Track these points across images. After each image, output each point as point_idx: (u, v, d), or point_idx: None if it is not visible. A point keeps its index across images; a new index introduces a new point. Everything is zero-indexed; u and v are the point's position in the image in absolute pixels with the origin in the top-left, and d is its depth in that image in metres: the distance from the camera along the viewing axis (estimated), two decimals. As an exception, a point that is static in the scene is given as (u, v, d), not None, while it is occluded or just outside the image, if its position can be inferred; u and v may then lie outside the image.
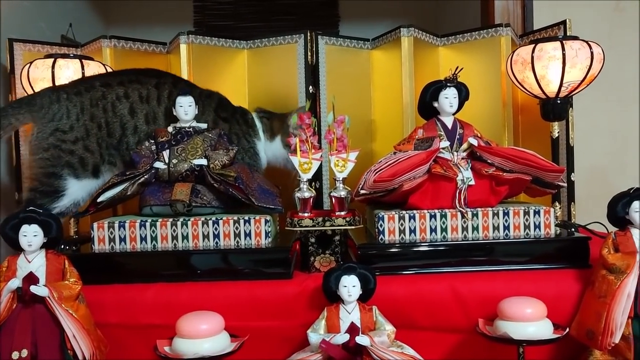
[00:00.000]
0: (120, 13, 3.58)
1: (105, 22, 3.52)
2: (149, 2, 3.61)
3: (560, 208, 1.81)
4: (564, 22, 1.94)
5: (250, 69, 2.08)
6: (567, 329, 1.24)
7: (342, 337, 1.19)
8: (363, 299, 1.27)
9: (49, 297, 1.17)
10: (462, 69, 1.57)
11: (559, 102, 1.74)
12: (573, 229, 1.74)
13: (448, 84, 1.57)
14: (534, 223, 1.48)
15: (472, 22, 2.56)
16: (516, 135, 2.08)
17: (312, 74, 2.00)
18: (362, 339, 1.18)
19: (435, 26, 3.47)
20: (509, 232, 1.48)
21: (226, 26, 3.77)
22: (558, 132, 1.79)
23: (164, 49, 2.10)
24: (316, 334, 1.22)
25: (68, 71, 1.71)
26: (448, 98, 1.57)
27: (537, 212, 1.48)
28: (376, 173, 1.45)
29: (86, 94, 1.63)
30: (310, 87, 2.00)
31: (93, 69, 1.75)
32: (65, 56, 1.75)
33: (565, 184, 1.56)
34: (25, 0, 2.32)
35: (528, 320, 1.22)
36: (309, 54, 2.00)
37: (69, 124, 1.61)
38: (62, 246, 1.70)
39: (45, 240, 1.23)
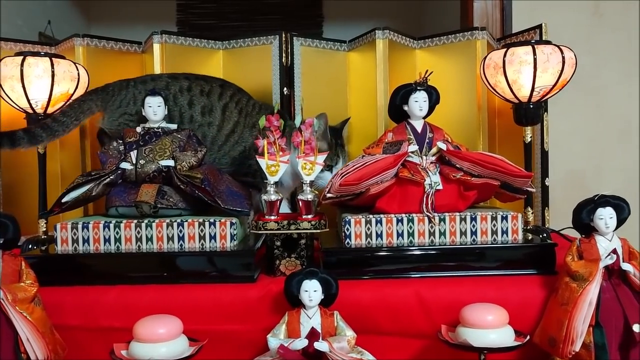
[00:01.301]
0: (102, 11, 3.56)
1: (86, 20, 3.50)
2: (132, 0, 3.59)
3: (532, 213, 1.80)
4: (539, 26, 1.93)
5: (226, 70, 2.06)
6: (528, 337, 1.24)
7: (300, 343, 1.18)
8: (325, 304, 1.26)
9: (2, 300, 1.15)
10: (431, 72, 1.55)
11: (531, 106, 1.73)
12: (545, 235, 1.73)
13: (418, 88, 1.56)
14: (502, 229, 1.47)
15: (453, 25, 2.55)
16: (492, 139, 2.07)
17: (287, 75, 1.99)
18: (320, 345, 1.17)
19: (419, 27, 3.49)
20: (476, 237, 1.47)
21: (209, 25, 3.77)
22: (531, 137, 1.78)
23: (139, 49, 2.08)
24: (276, 339, 1.21)
25: (37, 69, 1.68)
26: (418, 102, 1.56)
27: (504, 218, 1.47)
28: (342, 177, 1.44)
29: (151, 82, 1.76)
30: (285, 88, 1.98)
31: (63, 67, 1.72)
32: (35, 54, 1.73)
33: (534, 190, 1.55)
34: (1, -2, 2.30)
35: (489, 327, 1.21)
36: (284, 55, 1.99)
37: (135, 109, 1.71)
38: (30, 246, 1.70)
39: (1, 242, 1.21)
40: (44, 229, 1.79)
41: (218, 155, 1.78)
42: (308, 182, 1.45)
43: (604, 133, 2.41)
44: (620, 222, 1.29)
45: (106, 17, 3.53)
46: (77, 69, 1.76)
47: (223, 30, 3.67)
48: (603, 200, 1.28)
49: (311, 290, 1.22)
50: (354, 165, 1.47)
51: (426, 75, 1.56)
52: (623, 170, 2.38)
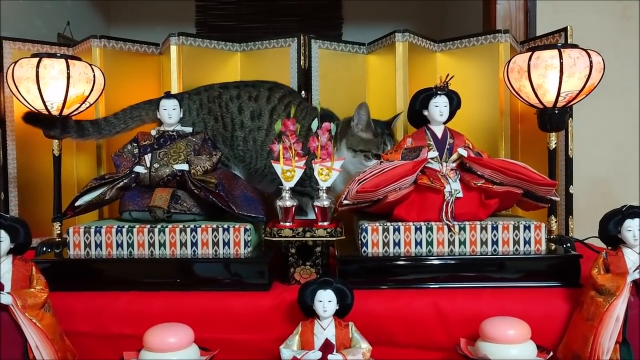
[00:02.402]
0: (121, 12, 3.56)
1: (106, 21, 3.50)
2: (152, 1, 3.59)
3: (556, 222, 1.74)
4: (565, 29, 1.88)
5: (244, 72, 2.04)
6: (551, 353, 1.19)
7: (314, 355, 1.15)
8: (340, 315, 1.22)
9: (12, 306, 1.13)
10: (452, 76, 1.51)
11: (556, 112, 1.67)
12: (569, 244, 1.67)
13: (438, 92, 1.52)
14: (524, 239, 1.42)
15: (475, 27, 2.50)
16: (515, 145, 2.02)
17: (304, 78, 1.96)
18: (334, 357, 1.14)
19: (440, 29, 3.43)
20: (497, 247, 1.42)
21: (228, 26, 3.75)
22: (555, 143, 1.73)
23: (157, 50, 2.06)
24: (289, 350, 1.18)
25: (53, 71, 1.67)
26: (438, 106, 1.52)
27: (527, 227, 1.42)
28: (359, 183, 1.40)
29: (205, 92, 1.80)
30: (303, 91, 1.95)
31: (79, 69, 1.71)
32: (51, 56, 1.71)
33: (558, 198, 1.50)
34: (20, -2, 2.30)
35: (510, 342, 1.16)
36: (302, 57, 1.96)
37: (191, 120, 1.74)
38: (44, 249, 1.69)
39: (12, 246, 1.19)
40: (59, 232, 1.77)
41: (267, 162, 1.75)
42: (324, 188, 1.41)
43: (630, 140, 2.33)
44: (650, 234, 1.23)
45: (126, 18, 3.53)
46: (93, 71, 1.75)
47: (242, 32, 3.65)
48: (631, 212, 1.23)
49: (325, 301, 1.19)
50: (371, 172, 1.43)
51: (447, 80, 1.52)
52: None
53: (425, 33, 2.02)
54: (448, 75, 1.52)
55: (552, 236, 1.72)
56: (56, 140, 1.77)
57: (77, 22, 2.81)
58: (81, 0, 3.10)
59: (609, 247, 1.28)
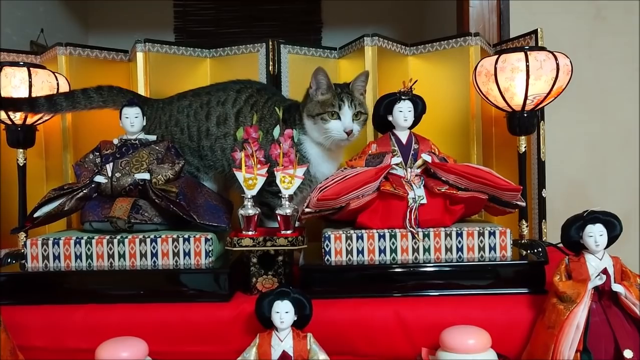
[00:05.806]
0: (100, 18, 3.53)
1: (84, 28, 3.47)
2: (130, 8, 3.56)
3: (527, 226, 1.72)
4: (535, 32, 1.86)
5: (213, 78, 2.02)
6: (511, 362, 1.17)
7: (269, 368, 1.12)
8: (299, 326, 1.20)
9: (-41, 322, 1.11)
10: (416, 81, 1.49)
11: (525, 115, 1.66)
12: (540, 249, 1.66)
13: (402, 97, 1.50)
14: (489, 245, 1.40)
15: (451, 29, 2.48)
16: (489, 149, 2.00)
17: (274, 83, 1.94)
18: (290, 370, 1.12)
19: (420, 32, 3.41)
20: (462, 254, 1.40)
21: (207, 32, 3.72)
22: (525, 147, 1.71)
23: (125, 57, 2.04)
24: (245, 363, 1.16)
25: (15, 79, 1.65)
26: (402, 112, 1.50)
27: (492, 234, 1.40)
28: (320, 191, 1.38)
29: (176, 102, 1.73)
30: (272, 95, 1.92)
31: (42, 77, 1.69)
32: (13, 64, 1.69)
33: (524, 204, 1.48)
34: (-12, 5, 2.27)
35: (470, 351, 1.14)
36: (270, 63, 1.93)
37: (160, 133, 1.69)
38: (9, 260, 1.66)
39: (-40, 261, 1.17)
40: (24, 243, 1.74)
41: None
42: (287, 195, 1.39)
43: (606, 141, 2.31)
44: (612, 239, 1.22)
45: (104, 24, 3.50)
46: (57, 79, 1.73)
47: (221, 37, 3.63)
48: (592, 217, 1.21)
49: (282, 312, 1.17)
50: (333, 179, 1.41)
51: (411, 85, 1.50)
52: (627, 179, 2.28)
53: (405, 35, 2.01)
54: (411, 79, 1.50)
55: (523, 241, 1.70)
56: (21, 150, 1.75)
57: (53, 29, 2.79)
58: (58, 6, 3.07)
59: (573, 253, 1.26)
